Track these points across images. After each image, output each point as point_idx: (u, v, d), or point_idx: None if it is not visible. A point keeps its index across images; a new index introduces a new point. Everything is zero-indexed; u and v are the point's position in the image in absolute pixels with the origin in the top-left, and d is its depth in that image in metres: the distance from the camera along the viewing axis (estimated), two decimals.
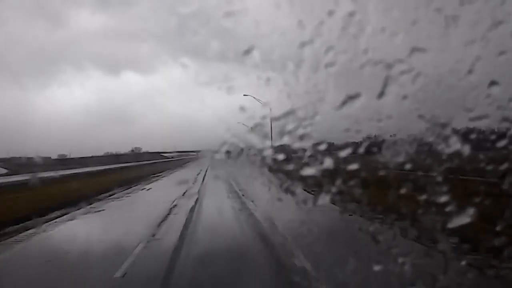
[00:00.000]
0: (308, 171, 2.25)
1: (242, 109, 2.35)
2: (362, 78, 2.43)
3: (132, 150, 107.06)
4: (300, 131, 2.31)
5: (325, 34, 2.28)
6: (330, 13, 2.27)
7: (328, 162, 2.24)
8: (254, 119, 2.39)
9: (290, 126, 2.33)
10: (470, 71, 2.43)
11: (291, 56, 2.31)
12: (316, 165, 2.31)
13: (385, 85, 2.22)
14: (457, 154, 2.40)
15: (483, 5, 2.41)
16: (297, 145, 2.55)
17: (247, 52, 2.36)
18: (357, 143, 2.83)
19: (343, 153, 2.46)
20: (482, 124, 2.51)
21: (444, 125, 2.46)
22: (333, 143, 2.77)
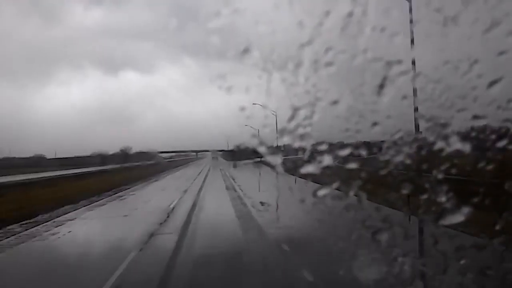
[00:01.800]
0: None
1: (242, 109, 2.48)
2: (361, 78, 2.57)
3: (121, 150, 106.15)
4: (301, 131, 2.46)
5: (325, 34, 2.41)
6: (329, 13, 2.41)
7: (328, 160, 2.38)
8: (254, 118, 2.52)
9: (291, 126, 2.47)
10: (469, 71, 2.57)
11: (291, 55, 2.45)
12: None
13: (383, 85, 2.36)
14: (458, 153, 2.54)
15: (482, 5, 2.55)
16: (297, 144, 2.69)
17: (246, 51, 2.47)
18: (370, 142, 2.95)
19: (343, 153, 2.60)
20: (482, 124, 2.66)
21: (444, 125, 2.61)
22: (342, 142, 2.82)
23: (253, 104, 2.59)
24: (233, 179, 34.51)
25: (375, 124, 2.55)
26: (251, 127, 2.78)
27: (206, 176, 42.39)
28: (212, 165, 77.03)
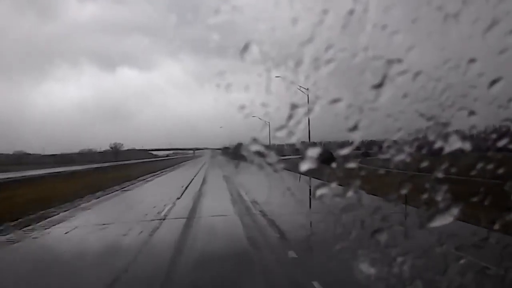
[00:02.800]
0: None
1: (242, 107, 2.54)
2: (362, 76, 2.64)
3: (111, 148, 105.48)
4: (301, 129, 2.52)
5: (325, 32, 2.48)
6: (330, 10, 2.47)
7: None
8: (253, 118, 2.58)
9: (290, 124, 2.53)
10: (470, 70, 2.65)
11: (291, 53, 2.51)
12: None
13: (383, 83, 2.43)
14: (458, 152, 2.62)
15: (484, 3, 2.63)
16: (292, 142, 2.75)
17: (245, 48, 2.53)
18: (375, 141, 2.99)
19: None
20: (482, 124, 2.74)
21: (445, 125, 2.68)
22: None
23: (276, 77, 2.47)
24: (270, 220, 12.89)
25: (374, 123, 2.62)
26: (259, 118, 2.70)
27: (197, 199, 19.79)
28: (210, 164, 65.30)
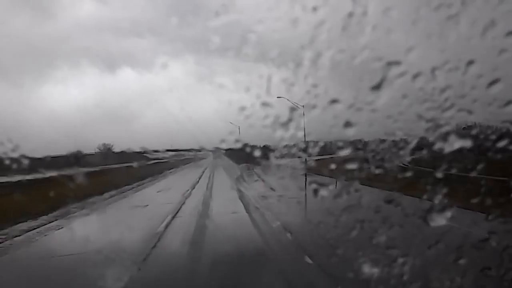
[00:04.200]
0: None
1: (242, 108, 2.63)
2: (361, 77, 2.74)
3: (100, 150, 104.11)
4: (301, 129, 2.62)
5: (325, 34, 2.58)
6: (330, 13, 2.57)
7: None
8: (253, 118, 2.67)
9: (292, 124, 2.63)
10: (469, 71, 2.74)
11: (291, 55, 2.61)
12: None
13: (382, 84, 2.53)
14: (459, 152, 2.71)
15: (482, 5, 2.72)
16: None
17: (246, 50, 2.63)
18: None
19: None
20: (475, 121, 2.82)
21: (444, 126, 2.78)
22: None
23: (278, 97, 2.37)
24: None
25: (373, 123, 2.71)
26: (287, 99, 2.70)
27: None
28: (214, 165, 49.09)
